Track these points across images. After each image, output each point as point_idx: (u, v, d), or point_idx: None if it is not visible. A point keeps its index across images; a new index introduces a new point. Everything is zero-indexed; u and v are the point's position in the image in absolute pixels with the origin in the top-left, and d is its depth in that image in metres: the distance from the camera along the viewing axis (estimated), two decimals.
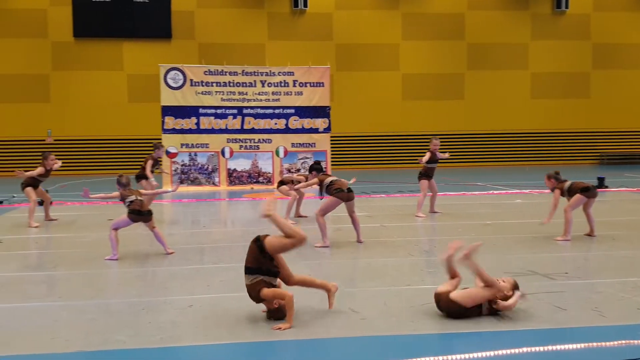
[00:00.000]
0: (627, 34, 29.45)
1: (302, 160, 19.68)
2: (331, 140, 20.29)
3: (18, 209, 13.77)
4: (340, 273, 7.35)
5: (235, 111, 19.29)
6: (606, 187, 16.73)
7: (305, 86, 19.65)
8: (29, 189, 11.65)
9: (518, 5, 28.92)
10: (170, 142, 18.91)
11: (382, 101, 28.34)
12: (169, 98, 18.96)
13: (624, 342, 4.68)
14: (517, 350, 4.56)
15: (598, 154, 29.47)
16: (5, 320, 5.45)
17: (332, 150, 20.49)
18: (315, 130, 19.71)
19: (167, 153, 18.87)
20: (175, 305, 5.88)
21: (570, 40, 29.19)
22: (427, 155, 12.54)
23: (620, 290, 6.24)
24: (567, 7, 28.80)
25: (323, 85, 19.76)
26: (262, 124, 19.44)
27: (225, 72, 19.31)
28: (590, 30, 29.29)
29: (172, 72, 19.00)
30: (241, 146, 19.39)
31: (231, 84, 19.27)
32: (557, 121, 29.18)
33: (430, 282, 6.74)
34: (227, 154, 19.27)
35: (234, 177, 19.32)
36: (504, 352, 4.53)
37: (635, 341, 4.70)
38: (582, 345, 4.66)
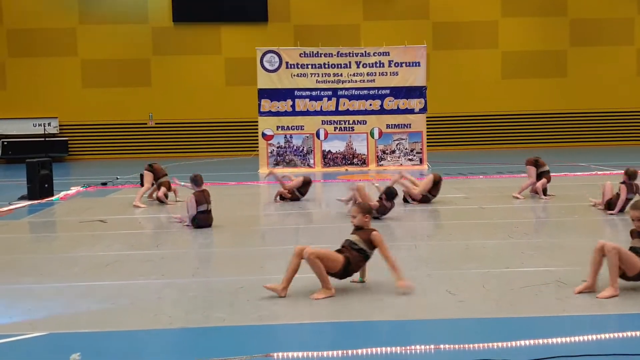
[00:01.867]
0: None
1: (397, 142, 19.56)
2: (427, 121, 20.03)
3: (121, 190, 14.43)
4: (437, 255, 7.29)
5: (330, 93, 19.37)
6: None
7: (401, 66, 19.45)
8: (147, 173, 12.08)
9: None
10: (267, 125, 19.26)
11: (479, 80, 27.67)
12: (265, 81, 19.27)
13: None
14: (618, 335, 4.41)
15: None
16: (110, 297, 5.75)
17: (427, 131, 20.23)
18: (410, 111, 19.51)
19: (264, 135, 19.24)
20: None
21: None
22: None
23: None
24: None
25: (419, 65, 19.49)
26: (357, 105, 19.43)
27: (321, 53, 19.39)
28: None
29: (268, 55, 19.29)
30: (336, 128, 19.48)
31: (326, 66, 19.34)
32: None
33: (530, 264, 6.59)
34: (321, 136, 19.42)
35: (328, 158, 19.45)
36: (602, 336, 4.39)
37: None
38: None
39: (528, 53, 27.63)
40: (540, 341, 4.35)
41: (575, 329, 4.53)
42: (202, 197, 9.09)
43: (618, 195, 9.70)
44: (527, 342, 4.34)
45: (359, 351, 4.23)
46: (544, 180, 11.51)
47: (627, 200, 9.47)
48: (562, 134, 27.61)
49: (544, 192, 11.48)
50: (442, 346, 4.30)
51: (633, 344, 4.29)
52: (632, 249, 5.60)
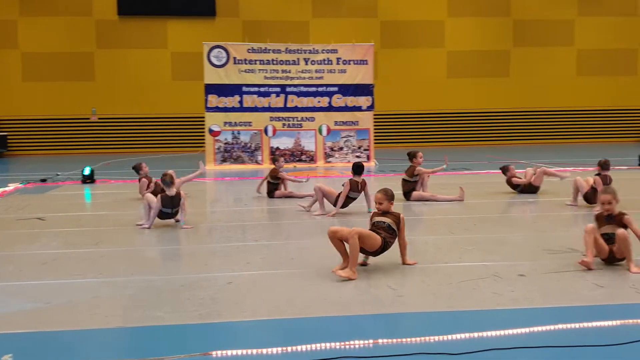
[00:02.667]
0: None
1: (345, 139, 19.67)
2: (374, 119, 20.20)
3: (61, 187, 14.13)
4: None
5: (278, 89, 19.35)
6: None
7: (349, 64, 19.57)
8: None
9: None
10: (214, 121, 19.12)
11: (426, 79, 28.04)
12: (212, 76, 19.12)
13: None
14: (551, 327, 4.53)
15: None
16: (45, 296, 5.62)
17: (375, 129, 20.40)
18: (358, 109, 19.65)
19: (210, 131, 19.09)
20: (215, 282, 5.98)
21: (617, 17, 28.33)
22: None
23: None
24: None
25: (367, 63, 19.65)
26: (305, 102, 19.47)
27: (269, 50, 19.35)
28: (637, 6, 28.40)
29: (216, 50, 19.14)
30: (284, 124, 19.47)
31: (274, 62, 19.32)
32: (601, 98, 28.45)
33: (468, 259, 6.72)
34: (270, 132, 19.39)
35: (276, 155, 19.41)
36: (535, 329, 4.50)
37: None
38: (617, 322, 4.61)
39: (473, 53, 28.14)
40: (476, 334, 4.44)
41: (509, 322, 4.64)
42: (168, 201, 8.94)
43: (594, 188, 9.66)
44: (463, 335, 4.42)
45: (300, 347, 4.25)
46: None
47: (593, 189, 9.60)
48: (504, 132, 28.24)
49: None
50: (380, 341, 4.35)
51: (562, 336, 4.42)
52: (604, 235, 6.08)
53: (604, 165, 9.88)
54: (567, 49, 28.43)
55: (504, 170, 12.08)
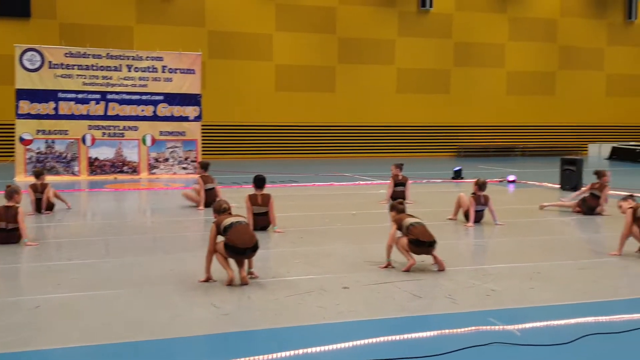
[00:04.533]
0: (486, 33, 31.00)
1: (170, 150, 19.15)
2: (202, 129, 19.87)
3: None
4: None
5: (98, 96, 18.42)
6: (462, 177, 17.51)
7: (175, 72, 19.10)
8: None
9: (386, 2, 29.64)
10: (25, 128, 17.78)
11: (255, 91, 28.17)
12: (24, 81, 17.78)
13: (473, 328, 4.85)
14: (372, 340, 4.60)
15: (456, 147, 30.90)
16: None
17: (203, 140, 20.07)
18: (185, 119, 19.22)
19: (21, 140, 17.75)
20: (23, 306, 5.47)
21: (434, 38, 30.34)
22: None
23: (471, 278, 6.50)
24: (431, 5, 29.91)
25: (194, 72, 19.28)
26: (128, 110, 18.71)
27: (88, 54, 18.36)
28: (452, 29, 30.59)
29: (29, 53, 17.83)
30: (104, 133, 18.56)
31: (94, 68, 18.37)
32: (419, 115, 30.29)
33: (295, 273, 6.70)
34: (88, 142, 18.37)
35: (95, 166, 18.46)
36: (359, 342, 4.55)
37: (484, 327, 4.88)
38: (435, 332, 4.78)
39: (300, 67, 28.71)
40: (301, 351, 4.39)
41: (335, 337, 4.65)
42: (2, 213, 8.08)
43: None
44: (288, 353, 4.35)
45: None
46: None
47: (477, 212, 9.88)
48: (330, 146, 29.06)
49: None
50: None
51: (387, 347, 4.50)
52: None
53: (481, 186, 10.05)
54: (388, 67, 29.90)
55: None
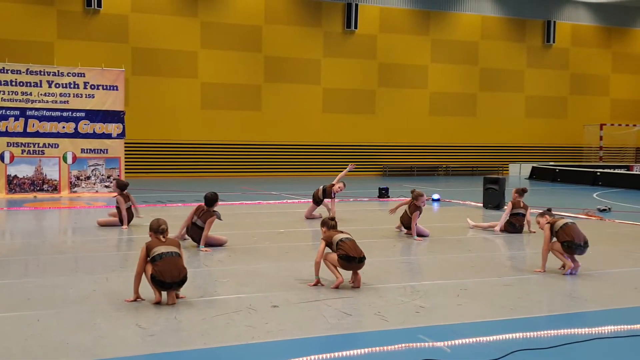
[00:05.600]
0: (409, 55, 31.73)
1: (92, 167, 18.62)
2: (126, 147, 19.43)
3: None
4: (126, 287, 6.93)
5: (17, 112, 17.75)
6: (388, 196, 17.75)
7: (98, 89, 18.63)
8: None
9: (311, 22, 29.94)
10: None
11: (181, 109, 27.84)
12: None
13: (403, 345, 4.88)
14: (303, 359, 4.56)
15: (381, 166, 31.37)
16: None
17: (126, 157, 19.63)
18: (108, 136, 18.74)
19: None
20: None
21: (359, 59, 30.82)
22: None
23: (400, 295, 6.55)
24: (356, 27, 30.39)
25: (117, 89, 18.87)
26: (49, 127, 18.10)
27: (7, 70, 17.70)
28: (376, 50, 31.15)
29: None
30: (23, 150, 17.89)
31: (13, 83, 17.71)
32: (345, 134, 30.62)
33: (223, 292, 6.59)
34: (6, 159, 17.66)
35: (14, 184, 17.75)
36: None
37: (414, 344, 4.92)
38: (366, 350, 4.77)
39: (226, 85, 28.58)
40: None
41: (264, 357, 4.58)
42: None
43: (408, 215, 10.51)
44: None
45: None
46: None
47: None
48: (255, 164, 28.97)
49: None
50: None
51: None
52: None
53: (416, 198, 10.51)
54: (314, 87, 30.12)
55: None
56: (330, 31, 30.24)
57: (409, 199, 10.73)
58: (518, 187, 11.74)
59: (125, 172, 19.32)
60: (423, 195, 10.61)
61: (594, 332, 5.29)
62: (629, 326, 5.46)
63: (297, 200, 16.85)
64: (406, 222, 10.68)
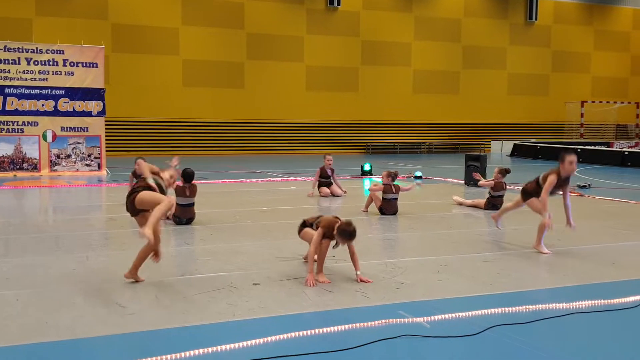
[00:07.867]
0: (392, 32, 31.62)
1: (73, 146, 18.46)
2: (107, 125, 19.27)
3: None
4: (106, 266, 6.91)
5: None
6: (371, 174, 17.78)
7: (77, 66, 18.43)
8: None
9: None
10: None
11: (162, 86, 27.59)
12: None
13: (384, 321, 4.90)
14: (283, 336, 4.57)
15: (365, 144, 31.37)
16: None
17: (107, 135, 19.48)
18: (88, 114, 18.58)
19: None
20: None
21: (342, 36, 30.66)
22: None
23: (381, 271, 6.58)
24: (339, 4, 30.19)
25: (97, 66, 18.67)
26: (28, 105, 17.91)
27: None
28: (359, 27, 31.01)
29: None
30: (2, 129, 17.73)
31: None
32: (329, 112, 30.56)
33: (204, 271, 6.58)
34: None
35: None
36: (270, 339, 4.51)
37: (395, 320, 4.95)
38: (347, 326, 4.79)
39: (208, 62, 28.36)
40: (210, 349, 4.30)
41: (245, 334, 4.59)
42: None
43: (385, 199, 10.52)
44: (199, 351, 4.26)
45: None
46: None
47: (385, 200, 10.43)
48: (238, 142, 28.86)
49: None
50: None
51: (295, 344, 4.48)
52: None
53: (394, 177, 10.63)
54: (298, 64, 29.97)
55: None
56: (313, 8, 30.05)
57: (381, 185, 10.74)
58: (501, 166, 11.73)
59: (107, 150, 19.19)
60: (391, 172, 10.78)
61: (571, 307, 5.35)
62: (606, 301, 5.52)
63: (280, 179, 16.83)
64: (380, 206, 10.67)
